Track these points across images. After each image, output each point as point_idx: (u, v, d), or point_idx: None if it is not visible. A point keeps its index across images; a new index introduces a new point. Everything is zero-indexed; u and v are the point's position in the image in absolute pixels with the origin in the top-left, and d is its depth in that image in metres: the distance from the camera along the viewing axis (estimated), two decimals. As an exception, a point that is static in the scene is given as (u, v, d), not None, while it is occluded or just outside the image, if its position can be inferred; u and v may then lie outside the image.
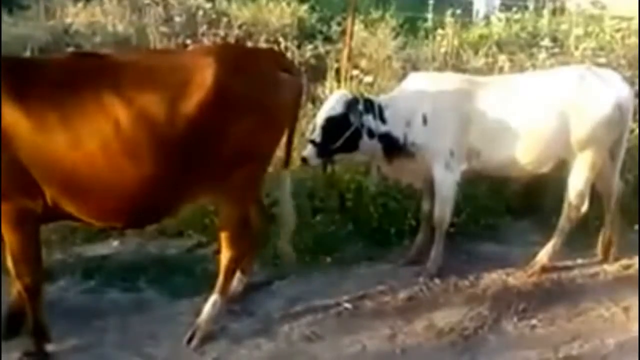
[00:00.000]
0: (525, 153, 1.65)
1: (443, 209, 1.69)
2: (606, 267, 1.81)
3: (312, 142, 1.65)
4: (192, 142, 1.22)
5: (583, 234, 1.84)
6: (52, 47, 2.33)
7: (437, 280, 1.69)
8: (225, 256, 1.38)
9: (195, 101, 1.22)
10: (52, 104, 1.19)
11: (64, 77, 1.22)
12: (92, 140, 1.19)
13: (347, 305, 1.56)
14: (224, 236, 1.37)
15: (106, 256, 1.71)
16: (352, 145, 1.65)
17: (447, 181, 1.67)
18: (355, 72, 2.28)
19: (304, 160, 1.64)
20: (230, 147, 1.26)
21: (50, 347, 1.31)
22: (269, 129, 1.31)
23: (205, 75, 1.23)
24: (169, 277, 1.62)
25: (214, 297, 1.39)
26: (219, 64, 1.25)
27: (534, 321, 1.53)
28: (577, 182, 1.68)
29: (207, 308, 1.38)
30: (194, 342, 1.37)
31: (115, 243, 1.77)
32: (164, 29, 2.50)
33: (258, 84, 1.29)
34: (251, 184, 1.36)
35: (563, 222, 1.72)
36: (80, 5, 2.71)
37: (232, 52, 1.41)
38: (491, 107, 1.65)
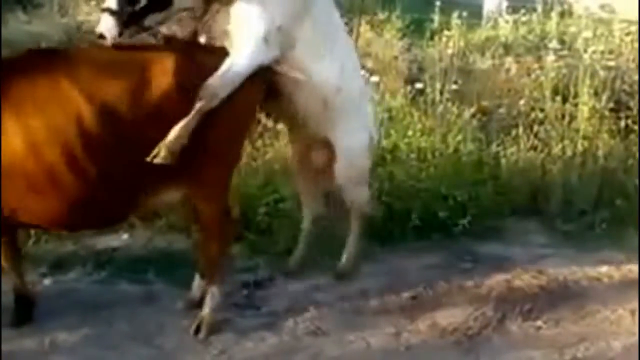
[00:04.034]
0: None
1: (225, 81, 1.21)
2: (613, 270, 1.80)
3: (108, 10, 1.21)
4: (150, 135, 1.18)
5: (589, 236, 1.84)
6: (65, 45, 2.37)
7: (441, 281, 1.69)
8: (211, 248, 1.37)
9: (152, 95, 1.19)
10: (8, 104, 1.13)
11: (20, 75, 1.16)
12: (49, 138, 1.14)
13: (351, 302, 1.57)
14: (207, 229, 1.36)
15: (116, 249, 1.75)
16: None
17: (255, 52, 1.24)
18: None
19: (102, 37, 1.20)
20: (191, 142, 1.22)
21: (63, 336, 1.34)
22: (229, 127, 1.27)
23: (163, 69, 1.19)
24: (177, 270, 1.65)
25: (211, 290, 1.40)
26: (178, 59, 1.21)
27: (539, 322, 1.53)
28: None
29: (207, 301, 1.40)
30: (201, 334, 1.40)
31: (125, 236, 1.80)
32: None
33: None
34: (222, 178, 1.34)
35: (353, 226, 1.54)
36: (93, 3, 2.76)
37: (196, 49, 1.33)
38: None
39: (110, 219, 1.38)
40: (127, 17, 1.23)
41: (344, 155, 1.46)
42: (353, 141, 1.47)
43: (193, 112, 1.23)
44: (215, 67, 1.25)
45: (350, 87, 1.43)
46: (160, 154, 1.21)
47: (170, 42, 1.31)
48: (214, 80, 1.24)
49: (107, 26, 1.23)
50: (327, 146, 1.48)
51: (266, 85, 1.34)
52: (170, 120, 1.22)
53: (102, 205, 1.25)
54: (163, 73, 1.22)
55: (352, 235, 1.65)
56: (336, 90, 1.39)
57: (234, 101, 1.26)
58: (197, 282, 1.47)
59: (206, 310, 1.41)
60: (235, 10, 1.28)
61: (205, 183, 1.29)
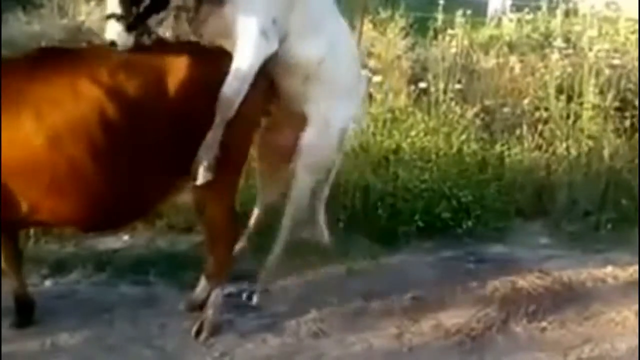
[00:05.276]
0: None
1: (237, 84, 1.21)
2: (618, 271, 1.78)
3: (114, 16, 1.20)
4: (168, 138, 1.20)
5: (594, 237, 1.83)
6: (66, 46, 2.37)
7: (444, 282, 1.68)
8: (219, 249, 1.38)
9: (169, 95, 1.20)
10: (26, 101, 1.13)
11: (36, 73, 1.15)
12: (69, 137, 1.14)
13: (354, 303, 1.56)
14: (215, 230, 1.37)
15: (117, 250, 1.75)
16: None
17: (257, 48, 1.22)
18: (364, 71, 2.28)
19: (113, 44, 1.19)
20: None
21: (63, 338, 1.34)
22: (238, 128, 1.26)
23: (181, 69, 1.21)
24: (178, 271, 1.65)
25: (214, 292, 1.40)
26: (193, 59, 1.22)
27: (543, 324, 1.52)
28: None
29: (210, 302, 1.40)
30: (203, 335, 1.39)
31: (126, 237, 1.80)
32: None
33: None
34: (231, 179, 1.35)
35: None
36: (92, 3, 2.75)
37: (208, 51, 1.30)
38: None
39: (125, 219, 1.38)
40: (133, 20, 1.22)
41: (316, 125, 1.36)
42: (329, 114, 1.37)
43: (215, 126, 1.23)
44: (225, 67, 1.25)
45: (335, 61, 1.36)
46: (199, 173, 1.21)
47: (170, 44, 1.32)
48: (227, 89, 1.24)
49: (116, 32, 1.21)
50: (296, 125, 1.38)
51: (270, 82, 1.35)
52: (187, 120, 1.22)
53: (120, 206, 1.25)
54: (181, 73, 1.22)
55: (276, 242, 1.47)
56: (317, 62, 1.32)
57: (241, 102, 1.29)
58: (202, 284, 1.46)
59: (209, 311, 1.40)
60: (228, 10, 1.26)
61: (215, 184, 1.28)
